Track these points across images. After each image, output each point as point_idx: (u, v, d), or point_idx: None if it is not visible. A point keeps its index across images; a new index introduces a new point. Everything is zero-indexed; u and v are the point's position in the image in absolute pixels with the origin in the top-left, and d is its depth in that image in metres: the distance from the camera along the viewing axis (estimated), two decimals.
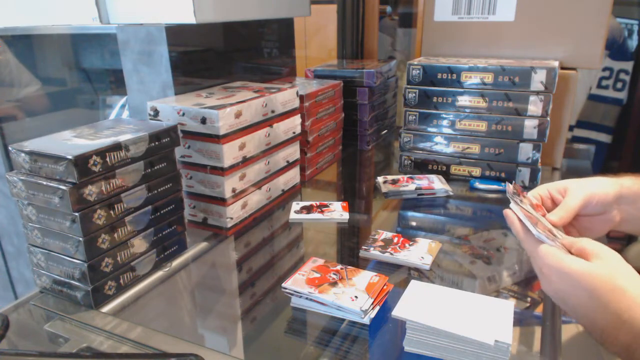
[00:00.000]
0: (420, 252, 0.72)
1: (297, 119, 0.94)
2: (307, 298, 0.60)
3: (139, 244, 0.66)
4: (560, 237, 0.53)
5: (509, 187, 0.59)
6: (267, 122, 0.84)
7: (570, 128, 1.98)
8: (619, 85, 1.90)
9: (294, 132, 0.94)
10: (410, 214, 0.92)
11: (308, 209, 0.89)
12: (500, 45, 1.10)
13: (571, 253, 0.49)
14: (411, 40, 2.09)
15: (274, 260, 0.77)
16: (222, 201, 0.79)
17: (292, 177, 0.98)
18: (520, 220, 0.54)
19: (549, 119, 0.94)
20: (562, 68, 1.02)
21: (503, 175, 1.00)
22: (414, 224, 0.89)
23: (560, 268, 0.47)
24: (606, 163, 2.02)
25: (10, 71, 1.34)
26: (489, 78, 0.96)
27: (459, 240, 0.80)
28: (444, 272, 0.70)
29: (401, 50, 2.15)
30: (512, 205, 0.55)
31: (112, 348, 0.55)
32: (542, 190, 0.61)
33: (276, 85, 0.94)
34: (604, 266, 0.46)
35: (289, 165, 0.95)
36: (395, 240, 0.76)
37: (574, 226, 0.62)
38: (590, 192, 0.58)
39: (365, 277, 0.63)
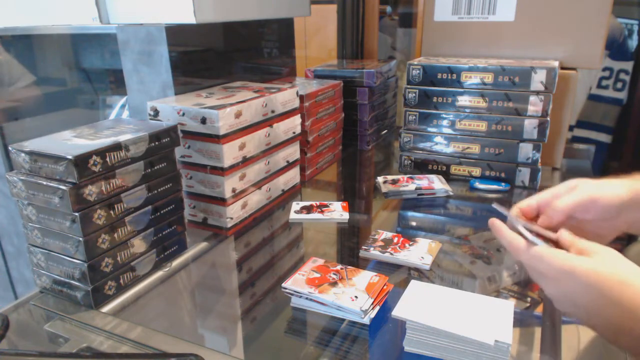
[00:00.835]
0: (420, 252, 0.72)
1: (297, 119, 0.94)
2: (307, 298, 0.60)
3: (139, 244, 0.66)
4: (554, 237, 0.52)
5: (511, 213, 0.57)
6: (267, 122, 0.84)
7: (570, 128, 1.98)
8: (619, 85, 1.90)
9: (294, 132, 0.94)
10: (410, 214, 0.92)
11: (308, 209, 0.89)
12: (500, 45, 1.10)
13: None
14: (411, 40, 2.09)
15: (274, 260, 0.77)
16: (222, 201, 0.79)
17: (292, 177, 0.98)
18: (509, 228, 0.52)
19: (549, 119, 0.94)
20: (562, 68, 1.02)
21: (503, 175, 1.00)
22: (414, 224, 0.89)
23: (568, 268, 0.46)
24: (606, 163, 2.01)
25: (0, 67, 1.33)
26: (489, 78, 0.96)
27: (459, 240, 0.80)
28: (444, 272, 0.70)
29: (401, 50, 2.15)
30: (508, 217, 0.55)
31: (112, 348, 0.55)
32: (546, 194, 0.58)
33: (276, 85, 0.94)
34: (606, 260, 0.45)
35: (289, 165, 0.95)
36: (395, 240, 0.76)
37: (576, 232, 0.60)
38: (592, 195, 0.54)
39: (365, 277, 0.63)
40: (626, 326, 0.44)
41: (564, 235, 0.51)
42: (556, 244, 0.51)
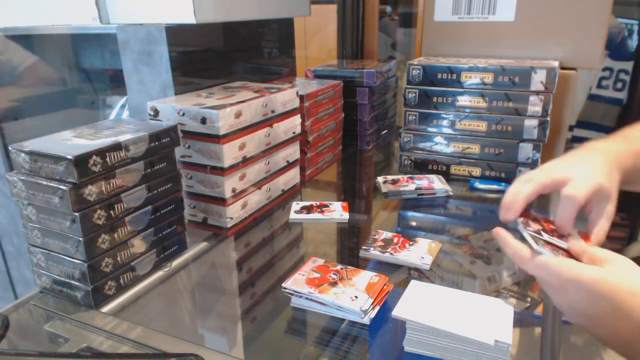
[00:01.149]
0: (420, 252, 0.72)
1: (297, 119, 0.94)
2: (307, 298, 0.60)
3: (139, 244, 0.66)
4: (564, 246, 0.51)
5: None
6: (267, 122, 0.84)
7: (570, 128, 1.98)
8: (619, 85, 1.90)
9: (294, 132, 0.94)
10: (410, 214, 0.92)
11: (308, 209, 0.89)
12: (500, 45, 1.10)
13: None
14: (411, 40, 2.09)
15: (274, 260, 0.77)
16: (222, 201, 0.79)
17: (292, 177, 0.98)
18: (514, 237, 0.51)
19: (549, 119, 0.94)
20: (562, 68, 1.02)
21: (503, 175, 1.00)
22: (414, 224, 0.89)
23: (573, 277, 0.44)
24: None
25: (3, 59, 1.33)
26: (489, 78, 0.96)
27: (459, 240, 0.80)
28: (444, 272, 0.70)
29: (401, 50, 2.15)
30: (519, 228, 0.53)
31: (112, 348, 0.55)
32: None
33: (276, 85, 0.94)
34: (618, 270, 0.44)
35: (289, 165, 0.95)
36: (395, 240, 0.76)
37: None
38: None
39: (365, 277, 0.63)
40: (636, 340, 0.42)
41: (575, 244, 0.49)
42: (568, 252, 0.50)
